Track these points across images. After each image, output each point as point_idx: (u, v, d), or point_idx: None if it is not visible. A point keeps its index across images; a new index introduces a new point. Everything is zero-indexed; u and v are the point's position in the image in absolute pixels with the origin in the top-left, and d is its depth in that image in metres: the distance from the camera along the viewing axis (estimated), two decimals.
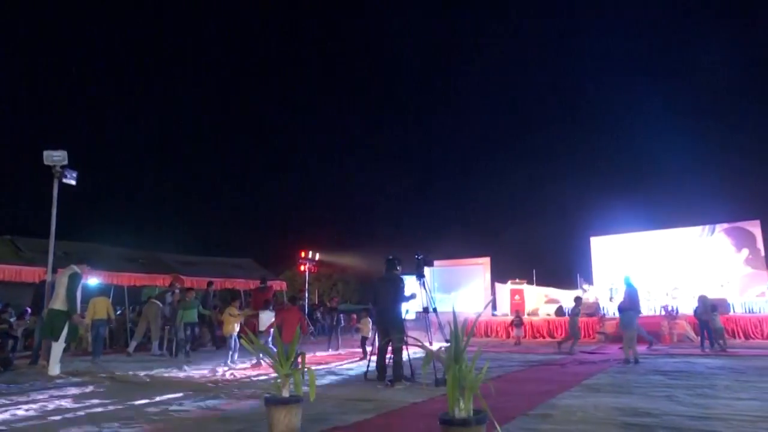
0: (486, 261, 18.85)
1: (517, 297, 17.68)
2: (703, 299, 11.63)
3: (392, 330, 7.01)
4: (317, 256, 22.11)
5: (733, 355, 9.76)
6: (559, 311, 16.19)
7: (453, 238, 25.67)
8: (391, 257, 7.57)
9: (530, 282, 18.96)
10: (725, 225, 17.14)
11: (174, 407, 5.34)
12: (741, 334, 13.26)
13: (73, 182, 9.85)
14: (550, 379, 7.20)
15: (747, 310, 14.68)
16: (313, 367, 4.62)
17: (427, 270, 17.60)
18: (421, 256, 7.95)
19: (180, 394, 6.13)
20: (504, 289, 18.42)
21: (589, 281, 18.34)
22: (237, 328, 9.84)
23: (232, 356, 9.52)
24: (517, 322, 14.50)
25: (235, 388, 6.68)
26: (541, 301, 18.49)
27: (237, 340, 9.44)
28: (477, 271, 18.77)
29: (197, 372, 8.48)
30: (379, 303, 7.37)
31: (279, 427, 3.87)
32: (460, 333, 3.57)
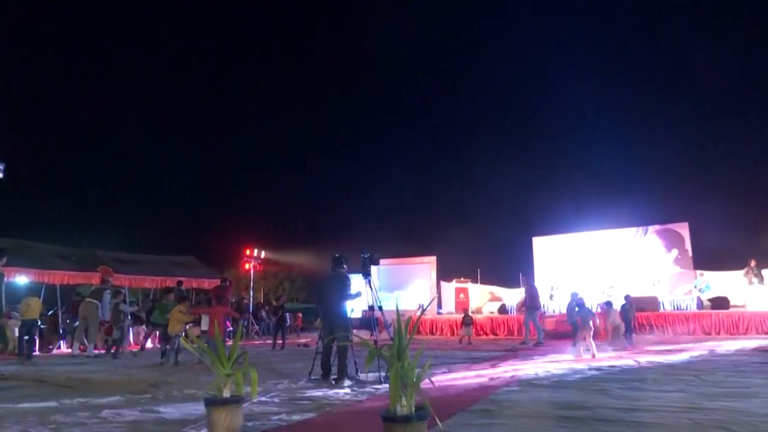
0: (432, 260, 19.12)
1: (461, 295, 18.03)
2: (627, 297, 12.23)
3: (338, 328, 7.01)
4: (263, 254, 21.79)
5: (661, 351, 10.28)
6: (502, 309, 16.61)
7: (400, 237, 25.92)
8: (337, 255, 7.57)
9: (475, 281, 19.38)
10: (657, 226, 18.07)
11: (108, 410, 5.14)
12: (670, 330, 14.01)
13: (0, 174, 9.31)
14: (491, 375, 7.38)
15: (675, 308, 15.51)
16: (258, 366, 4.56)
17: (373, 268, 17.64)
18: (368, 255, 7.97)
19: (117, 397, 5.91)
20: (449, 288, 18.74)
21: (531, 280, 18.89)
22: (183, 328, 9.62)
23: (174, 356, 9.28)
24: (468, 320, 14.60)
25: (175, 389, 6.50)
26: (485, 299, 18.93)
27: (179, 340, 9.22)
28: (423, 269, 19.02)
29: (136, 373, 8.19)
30: (325, 301, 7.36)
31: (219, 429, 3.80)
32: (404, 330, 3.61)
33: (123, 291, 12.12)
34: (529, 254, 19.76)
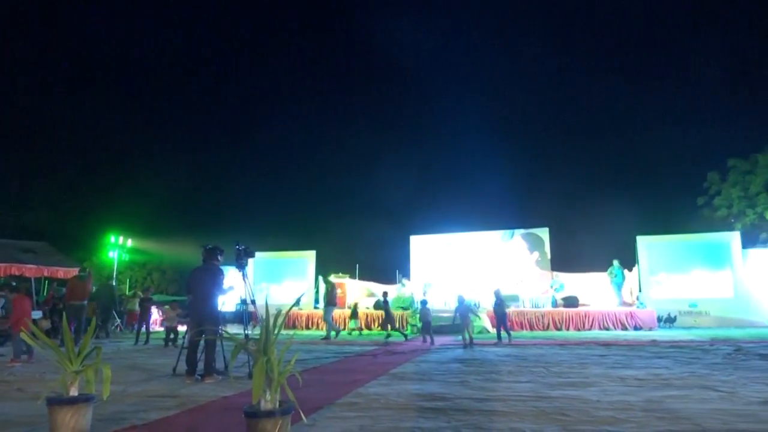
0: (311, 254, 19.06)
1: (339, 290, 18.15)
2: (497, 293, 12.98)
3: (206, 322, 6.75)
4: (129, 242, 20.34)
5: (518, 345, 11.15)
6: (377, 305, 16.99)
7: (280, 230, 25.49)
8: (211, 246, 7.26)
9: (353, 276, 19.63)
10: (522, 231, 19.55)
11: None
12: (527, 326, 15.25)
13: None
14: (361, 370, 7.53)
15: (533, 306, 16.90)
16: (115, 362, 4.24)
17: (250, 261, 17.27)
18: (243, 247, 7.74)
19: None
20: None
21: (407, 277, 19.57)
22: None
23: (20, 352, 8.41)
24: (355, 312, 14.79)
25: (17, 388, 5.88)
26: (363, 295, 19.27)
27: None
28: (301, 263, 18.90)
29: None
30: (195, 293, 7.01)
31: (63, 430, 3.49)
32: (272, 324, 3.57)
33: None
34: (406, 252, 20.43)
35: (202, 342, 6.64)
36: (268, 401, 3.29)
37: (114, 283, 19.27)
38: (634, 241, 16.87)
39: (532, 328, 15.12)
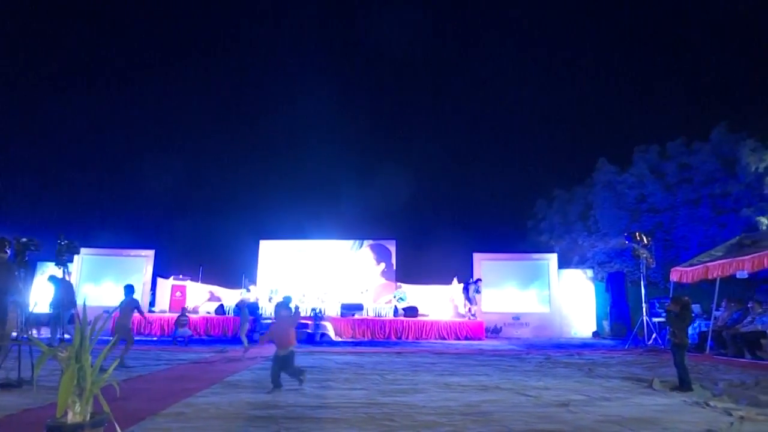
0: (150, 253, 17.75)
1: (178, 293, 17.18)
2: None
3: None
4: None
5: (358, 353, 11.43)
6: (220, 310, 16.35)
7: (116, 225, 23.38)
8: None
9: (195, 279, 18.67)
10: (371, 241, 20.15)
11: None
12: (369, 334, 15.68)
13: None
14: (194, 378, 7.17)
15: (377, 314, 17.47)
16: None
17: (76, 258, 15.60)
18: (66, 241, 6.98)
19: None
20: (166, 285, 17.66)
21: (254, 282, 19.09)
22: None
23: None
24: (183, 321, 13.83)
25: None
26: (204, 299, 18.40)
27: None
28: (138, 263, 17.51)
29: None
30: None
31: None
32: (89, 329, 3.27)
33: None
34: (255, 256, 19.94)
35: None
36: (77, 414, 3.01)
37: None
38: (472, 257, 18.26)
39: (374, 337, 15.59)
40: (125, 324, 8.42)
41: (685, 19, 31.47)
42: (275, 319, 6.87)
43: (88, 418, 3.03)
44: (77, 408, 3.02)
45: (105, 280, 17.22)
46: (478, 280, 17.16)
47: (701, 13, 29.95)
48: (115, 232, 21.90)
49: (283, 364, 6.14)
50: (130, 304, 8.59)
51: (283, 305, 6.87)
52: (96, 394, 3.10)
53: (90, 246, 17.58)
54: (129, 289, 8.64)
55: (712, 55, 29.07)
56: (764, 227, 13.67)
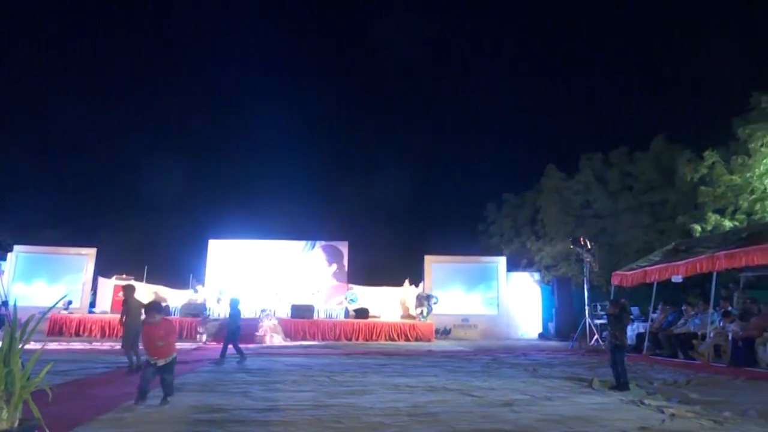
0: (91, 252, 17.06)
1: (120, 293, 16.54)
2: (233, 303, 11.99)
3: None
4: None
5: (308, 354, 11.33)
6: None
7: (56, 223, 22.32)
8: None
9: (140, 278, 18.05)
10: (323, 242, 20.02)
11: None
12: (320, 335, 15.55)
13: None
14: (136, 381, 6.91)
15: (327, 316, 17.38)
16: None
17: (10, 256, 14.89)
18: None
19: None
20: (108, 284, 17.04)
21: (202, 282, 18.63)
22: None
23: None
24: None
25: None
26: (149, 299, 17.80)
27: None
28: (78, 262, 16.79)
29: None
30: None
31: None
32: (21, 331, 3.11)
33: None
34: (203, 256, 19.45)
35: None
36: (4, 420, 2.86)
37: None
38: (423, 259, 18.42)
39: (324, 338, 15.48)
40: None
41: (629, 35, 32.94)
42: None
43: (16, 424, 2.89)
44: (4, 414, 2.88)
45: (37, 279, 16.43)
46: (434, 297, 17.17)
47: (644, 24, 31.42)
48: (55, 229, 20.92)
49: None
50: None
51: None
52: (26, 399, 2.95)
53: (26, 243, 16.75)
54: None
55: (651, 69, 30.58)
56: (698, 234, 14.39)
